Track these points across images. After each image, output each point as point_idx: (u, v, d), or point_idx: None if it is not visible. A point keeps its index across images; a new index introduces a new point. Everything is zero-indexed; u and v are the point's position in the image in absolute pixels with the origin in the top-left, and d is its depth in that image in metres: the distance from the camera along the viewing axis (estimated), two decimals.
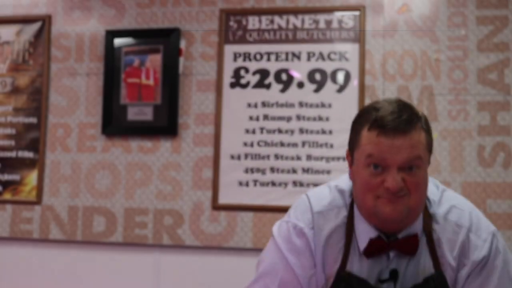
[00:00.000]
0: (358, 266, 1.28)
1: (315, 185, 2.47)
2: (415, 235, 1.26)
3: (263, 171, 2.67)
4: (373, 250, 1.26)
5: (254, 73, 2.73)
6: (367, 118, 1.23)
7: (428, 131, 1.24)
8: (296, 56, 2.70)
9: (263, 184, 2.67)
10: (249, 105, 2.71)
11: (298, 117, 2.67)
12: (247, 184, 2.68)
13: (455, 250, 1.27)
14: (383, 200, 1.20)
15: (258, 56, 2.73)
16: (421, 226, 1.28)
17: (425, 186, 1.24)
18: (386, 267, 1.27)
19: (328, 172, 2.62)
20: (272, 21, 2.74)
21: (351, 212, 1.31)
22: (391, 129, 1.18)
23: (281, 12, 2.73)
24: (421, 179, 1.21)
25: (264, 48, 2.73)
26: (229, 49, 2.76)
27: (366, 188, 1.22)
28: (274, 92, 2.70)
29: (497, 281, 1.25)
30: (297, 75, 2.68)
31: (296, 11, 2.72)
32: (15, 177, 2.87)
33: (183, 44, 2.79)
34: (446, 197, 1.33)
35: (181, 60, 2.78)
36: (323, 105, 2.66)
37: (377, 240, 1.26)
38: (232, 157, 2.70)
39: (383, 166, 1.20)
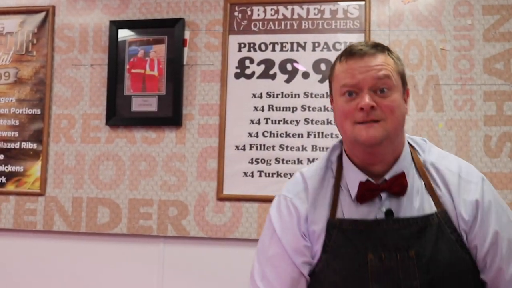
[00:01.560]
0: (350, 213, 1.32)
1: None
2: (402, 174, 1.30)
3: (268, 162, 2.66)
4: (364, 193, 1.30)
5: (259, 63, 2.71)
6: (339, 55, 1.35)
7: (397, 59, 1.32)
8: (301, 46, 2.69)
9: (268, 174, 2.65)
10: (254, 95, 2.70)
11: (303, 108, 2.66)
12: (252, 175, 2.66)
13: (450, 191, 1.31)
14: (360, 125, 1.26)
15: (263, 46, 2.72)
16: (408, 166, 1.33)
17: (400, 111, 1.29)
18: (379, 209, 1.30)
19: None
20: (277, 11, 2.73)
21: (339, 164, 1.38)
22: (358, 53, 1.28)
23: (286, 2, 2.72)
24: (394, 102, 1.27)
25: (269, 38, 2.72)
26: (234, 39, 2.74)
27: (343, 115, 1.30)
28: (279, 83, 2.69)
29: (495, 216, 1.29)
30: (302, 68, 2.67)
31: (301, 1, 2.70)
32: (18, 168, 2.86)
33: (187, 35, 2.78)
34: (434, 149, 1.40)
35: (186, 50, 2.77)
36: (328, 96, 2.64)
37: (367, 183, 1.31)
38: (237, 147, 2.69)
39: (356, 91, 1.27)
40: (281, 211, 1.39)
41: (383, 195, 1.31)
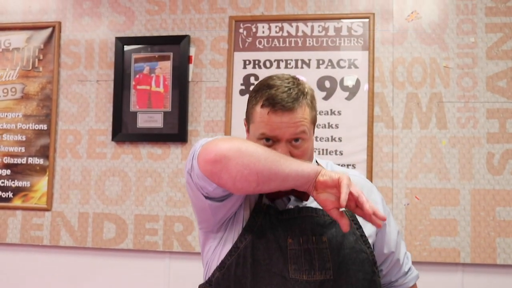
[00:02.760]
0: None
1: None
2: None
3: None
4: (272, 195, 1.43)
5: None
6: (261, 95, 1.40)
7: (312, 106, 1.43)
8: (306, 63, 2.71)
9: None
10: None
11: None
12: None
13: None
14: None
15: (267, 63, 2.75)
16: None
17: (310, 154, 1.44)
18: (285, 205, 1.46)
19: None
20: (281, 28, 2.75)
21: None
22: (279, 108, 1.36)
23: (290, 19, 2.74)
24: (306, 149, 1.41)
25: (274, 55, 2.74)
26: (239, 56, 2.77)
27: None
28: None
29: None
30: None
31: (305, 19, 2.73)
32: (25, 183, 2.89)
33: (192, 51, 2.80)
34: (330, 164, 1.60)
35: (191, 67, 2.80)
36: (332, 113, 2.67)
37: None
38: None
39: (274, 140, 1.38)
40: None
41: (291, 197, 1.45)
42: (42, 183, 2.87)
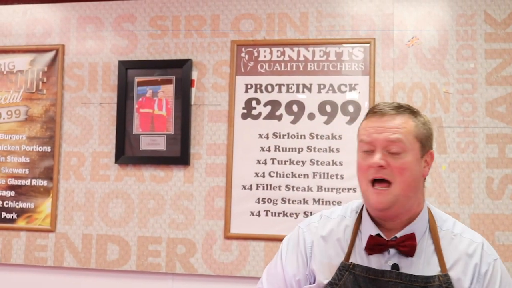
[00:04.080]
0: (361, 260, 1.40)
1: None
2: (412, 235, 1.37)
3: (274, 202, 2.71)
4: (373, 246, 1.38)
5: (265, 104, 2.77)
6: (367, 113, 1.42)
7: (418, 122, 1.37)
8: (307, 87, 2.74)
9: (274, 214, 2.71)
10: (260, 136, 2.75)
11: (309, 148, 2.71)
12: (258, 214, 2.72)
13: (473, 260, 1.37)
14: (372, 190, 1.35)
15: (269, 87, 2.77)
16: (422, 228, 1.40)
17: (412, 173, 1.35)
18: (385, 262, 1.37)
19: (339, 203, 2.66)
20: (283, 53, 2.78)
21: (359, 216, 1.46)
22: (379, 112, 1.36)
23: (292, 44, 2.77)
24: (405, 165, 1.33)
25: (275, 79, 2.77)
26: (241, 80, 2.80)
27: (359, 170, 1.39)
28: (285, 123, 2.74)
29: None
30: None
31: (306, 44, 2.75)
32: (29, 205, 2.92)
33: (195, 75, 2.83)
34: (452, 219, 1.46)
35: (193, 90, 2.82)
36: (333, 137, 2.70)
37: (376, 237, 1.39)
38: (244, 187, 2.74)
39: (372, 148, 1.35)
40: (291, 239, 1.53)
41: (392, 250, 1.38)
42: (46, 205, 2.90)
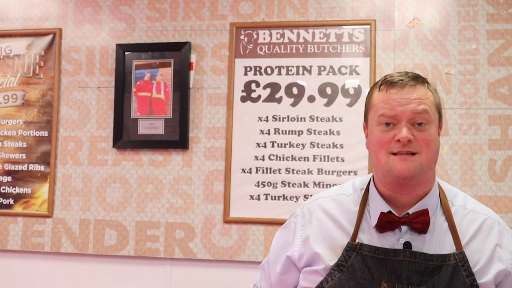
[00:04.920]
0: (369, 240, 1.33)
1: None
2: (426, 211, 1.31)
3: (274, 185, 2.68)
4: (384, 223, 1.31)
5: (265, 87, 2.73)
6: (378, 83, 1.35)
7: (435, 93, 1.34)
8: (307, 70, 2.71)
9: (274, 197, 2.67)
10: (260, 119, 2.72)
11: (309, 131, 2.68)
12: (258, 198, 2.69)
13: (491, 238, 1.32)
14: (395, 157, 1.28)
15: (268, 70, 2.74)
16: (434, 204, 1.34)
17: (436, 145, 1.30)
18: (397, 241, 1.31)
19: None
20: (282, 35, 2.75)
21: (366, 192, 1.40)
22: (399, 83, 1.29)
23: (291, 26, 2.74)
24: (431, 136, 1.29)
25: (275, 62, 2.74)
26: (240, 63, 2.76)
27: (379, 145, 1.31)
28: (285, 106, 2.71)
29: None
30: (304, 83, 2.69)
31: (306, 25, 2.72)
32: (26, 190, 2.89)
33: (193, 58, 2.80)
34: (462, 193, 1.42)
35: (192, 73, 2.79)
36: (334, 119, 2.67)
37: (388, 214, 1.32)
38: (243, 170, 2.71)
39: (394, 122, 1.28)
40: (286, 224, 1.50)
41: (404, 227, 1.31)
42: (43, 190, 2.87)
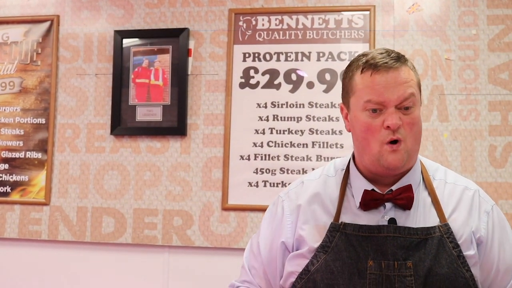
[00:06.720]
0: (353, 219, 1.32)
1: None
2: (409, 186, 1.30)
3: (272, 172, 2.66)
4: (368, 201, 1.30)
5: (264, 73, 2.72)
6: (358, 64, 1.29)
7: (415, 71, 1.31)
8: (306, 56, 2.69)
9: (272, 184, 2.66)
10: (258, 105, 2.70)
11: (308, 118, 2.66)
12: (256, 185, 2.67)
13: (473, 210, 1.32)
14: (387, 147, 1.26)
15: (267, 56, 2.72)
16: (417, 180, 1.34)
17: (418, 126, 1.28)
18: (382, 218, 1.30)
19: None
20: (281, 21, 2.73)
21: (346, 172, 1.39)
22: (383, 66, 1.24)
23: (290, 12, 2.72)
24: (416, 119, 1.27)
25: (274, 48, 2.72)
26: (238, 49, 2.75)
27: (367, 131, 1.27)
28: (283, 92, 2.69)
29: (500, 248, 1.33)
30: (305, 74, 2.67)
31: (305, 11, 2.71)
32: (23, 177, 2.87)
33: (192, 44, 2.78)
34: (442, 168, 1.42)
35: (190, 60, 2.77)
36: (333, 106, 2.65)
37: (371, 192, 1.31)
38: (242, 157, 2.69)
39: (381, 108, 1.25)
40: (271, 210, 1.48)
41: (388, 204, 1.31)
42: (40, 178, 2.85)
